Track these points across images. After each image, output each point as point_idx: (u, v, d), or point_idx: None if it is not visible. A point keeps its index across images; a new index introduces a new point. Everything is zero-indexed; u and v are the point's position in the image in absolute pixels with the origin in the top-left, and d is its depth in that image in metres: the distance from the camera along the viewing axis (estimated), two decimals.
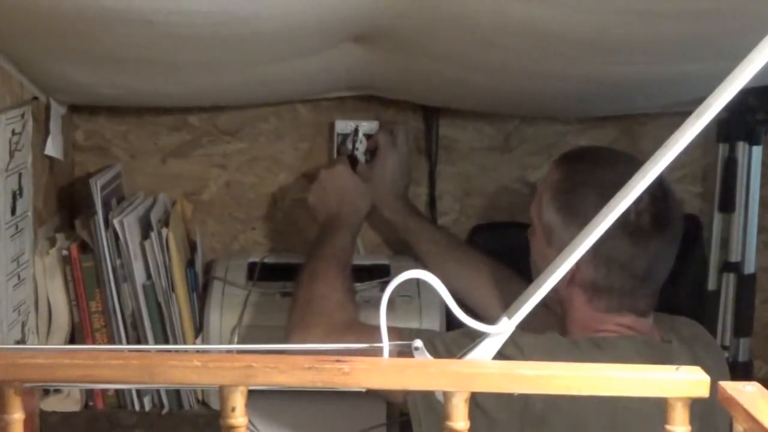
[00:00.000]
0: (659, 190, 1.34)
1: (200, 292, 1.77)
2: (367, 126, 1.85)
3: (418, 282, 1.18)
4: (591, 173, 1.37)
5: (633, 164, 1.40)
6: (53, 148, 1.66)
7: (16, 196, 1.52)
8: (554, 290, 1.35)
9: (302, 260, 1.86)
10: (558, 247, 1.30)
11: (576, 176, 1.39)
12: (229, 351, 1.28)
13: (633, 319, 1.36)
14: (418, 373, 0.74)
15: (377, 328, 1.34)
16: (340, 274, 1.53)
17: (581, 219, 1.33)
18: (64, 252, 1.66)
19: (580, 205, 1.35)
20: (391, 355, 1.15)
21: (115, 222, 1.62)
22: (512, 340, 1.28)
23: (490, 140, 1.95)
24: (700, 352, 1.38)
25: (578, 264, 1.35)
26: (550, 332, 1.35)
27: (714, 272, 1.85)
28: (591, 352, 1.28)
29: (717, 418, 1.24)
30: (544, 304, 1.36)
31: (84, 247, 1.68)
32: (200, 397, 1.75)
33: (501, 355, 1.25)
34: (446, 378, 0.73)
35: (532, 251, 1.45)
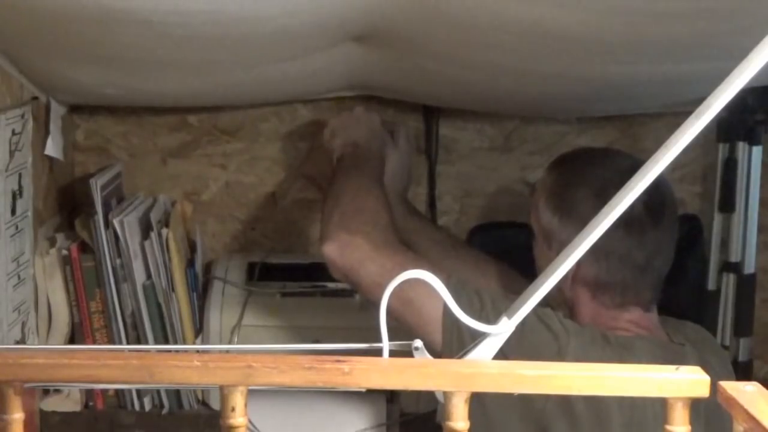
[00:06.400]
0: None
1: (200, 292, 1.77)
2: None
3: None
4: (581, 172, 1.39)
5: (625, 160, 1.42)
6: (53, 148, 1.66)
7: (16, 196, 1.52)
8: (559, 291, 1.38)
9: (303, 261, 1.87)
10: (558, 248, 1.31)
11: (567, 177, 1.41)
12: (229, 351, 1.28)
13: (640, 315, 1.37)
14: (418, 373, 0.74)
15: (421, 262, 1.34)
16: (383, 196, 1.51)
17: (577, 218, 1.34)
18: (64, 252, 1.66)
19: (575, 204, 1.36)
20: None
21: (115, 222, 1.62)
22: (559, 321, 1.30)
23: (490, 140, 1.95)
24: (709, 356, 1.38)
25: (578, 262, 1.36)
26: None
27: (714, 272, 1.85)
28: (620, 350, 1.30)
29: (725, 423, 1.25)
30: (547, 305, 1.38)
31: (84, 247, 1.68)
32: (200, 397, 1.75)
33: (548, 329, 1.28)
34: (446, 378, 0.73)
35: (536, 258, 1.45)
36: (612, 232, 1.31)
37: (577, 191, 1.37)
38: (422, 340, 1.40)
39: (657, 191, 1.36)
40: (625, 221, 1.32)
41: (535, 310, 1.30)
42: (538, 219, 1.43)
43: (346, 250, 1.40)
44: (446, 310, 1.29)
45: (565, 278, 1.35)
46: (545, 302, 1.34)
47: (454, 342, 1.27)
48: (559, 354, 1.27)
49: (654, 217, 1.35)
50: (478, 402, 1.22)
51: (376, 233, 1.42)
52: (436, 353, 1.30)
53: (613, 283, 1.36)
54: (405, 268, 1.37)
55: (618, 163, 1.38)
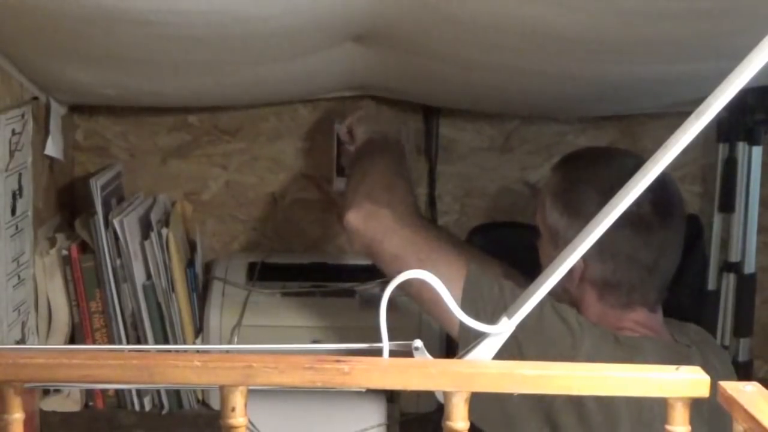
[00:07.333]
0: (657, 179, 1.34)
1: (200, 292, 1.77)
2: None
3: None
4: (589, 171, 1.39)
5: (630, 159, 1.42)
6: (53, 148, 1.66)
7: (16, 196, 1.52)
8: (566, 291, 1.37)
9: (303, 261, 1.87)
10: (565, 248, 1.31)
11: (574, 176, 1.41)
12: (229, 351, 1.28)
13: (646, 315, 1.37)
14: (418, 373, 0.74)
15: (441, 242, 1.37)
16: (409, 184, 1.53)
17: (584, 217, 1.34)
18: (64, 252, 1.66)
19: (582, 204, 1.36)
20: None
21: (115, 222, 1.62)
22: (575, 317, 1.30)
23: (490, 140, 1.95)
24: (712, 358, 1.38)
25: (586, 261, 1.36)
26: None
27: (714, 272, 1.85)
28: (629, 350, 1.30)
29: (728, 425, 1.25)
30: None
31: (84, 247, 1.68)
32: (200, 397, 1.75)
33: (565, 322, 1.28)
34: (446, 378, 0.73)
35: (542, 258, 1.45)
36: (619, 232, 1.32)
37: (584, 191, 1.36)
38: (442, 324, 1.41)
39: (664, 191, 1.36)
40: (632, 221, 1.33)
41: (553, 304, 1.31)
42: (544, 219, 1.42)
43: (370, 219, 1.40)
44: (464, 299, 1.29)
45: (571, 278, 1.36)
46: None
47: (471, 333, 1.28)
48: (573, 348, 1.27)
49: (661, 217, 1.35)
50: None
51: (402, 208, 1.42)
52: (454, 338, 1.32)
53: (619, 283, 1.36)
54: (428, 245, 1.39)
55: (624, 162, 1.38)
